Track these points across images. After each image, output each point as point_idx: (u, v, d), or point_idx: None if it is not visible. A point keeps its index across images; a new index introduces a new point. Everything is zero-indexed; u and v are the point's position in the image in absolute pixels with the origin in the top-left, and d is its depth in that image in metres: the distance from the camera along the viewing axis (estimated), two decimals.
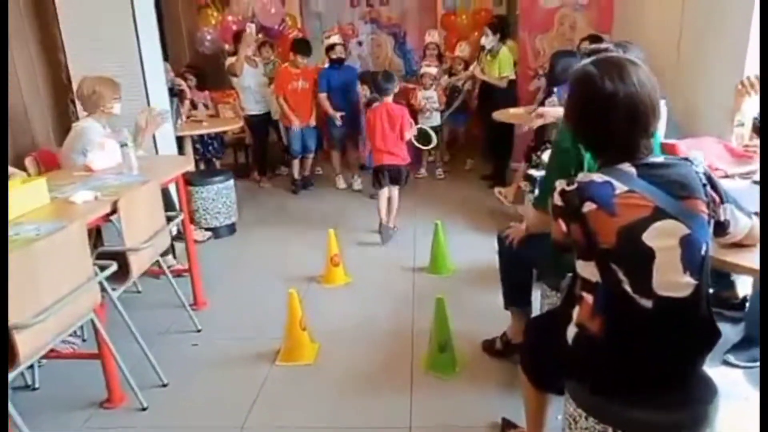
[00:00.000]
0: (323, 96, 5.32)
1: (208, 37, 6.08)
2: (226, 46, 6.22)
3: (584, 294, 1.46)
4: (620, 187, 1.36)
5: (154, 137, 3.72)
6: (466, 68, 5.80)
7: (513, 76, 5.26)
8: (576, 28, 5.10)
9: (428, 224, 4.02)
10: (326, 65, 5.45)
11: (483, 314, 2.88)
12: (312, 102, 5.43)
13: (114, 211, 2.36)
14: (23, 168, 3.13)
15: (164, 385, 2.51)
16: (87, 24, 3.59)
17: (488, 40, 5.18)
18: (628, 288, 1.37)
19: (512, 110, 4.68)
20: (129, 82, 3.52)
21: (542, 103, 3.99)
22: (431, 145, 5.08)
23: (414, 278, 3.52)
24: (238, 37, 5.56)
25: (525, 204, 4.05)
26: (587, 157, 1.95)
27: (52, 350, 2.57)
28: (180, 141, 4.56)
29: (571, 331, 1.50)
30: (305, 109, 5.40)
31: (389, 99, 4.26)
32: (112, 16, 3.60)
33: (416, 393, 2.40)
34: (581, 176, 1.44)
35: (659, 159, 1.43)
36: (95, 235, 3.34)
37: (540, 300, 2.48)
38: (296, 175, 5.65)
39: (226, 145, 6.04)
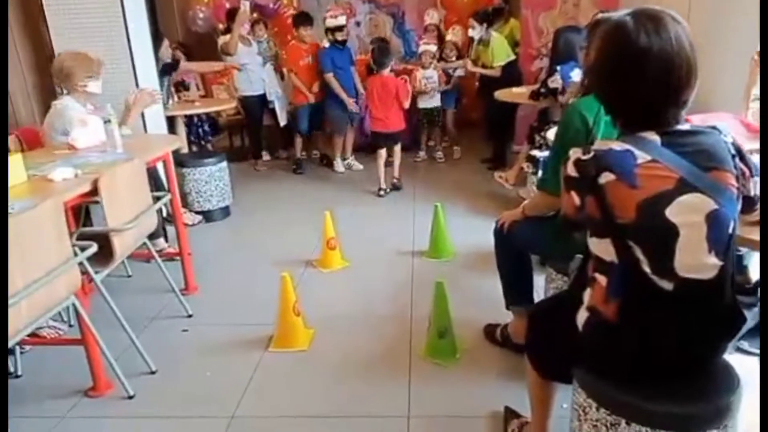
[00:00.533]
0: (331, 76, 5.17)
1: (201, 15, 5.93)
2: (220, 25, 6.06)
3: (597, 275, 1.34)
4: (642, 156, 1.23)
5: (143, 116, 3.59)
6: (458, 55, 5.58)
7: (512, 57, 5.10)
8: (580, 6, 4.94)
9: (427, 207, 3.91)
10: (326, 45, 5.28)
11: (484, 299, 2.77)
12: (317, 78, 5.32)
13: (96, 190, 2.23)
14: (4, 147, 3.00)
15: (152, 373, 2.41)
16: (72, 3, 3.44)
17: (475, 32, 5.11)
18: (647, 268, 1.24)
19: (515, 89, 4.54)
20: (116, 60, 3.40)
21: (545, 83, 3.83)
22: None
23: (413, 262, 3.41)
24: (232, 14, 5.41)
25: (527, 186, 3.93)
26: (600, 133, 1.83)
27: (34, 335, 2.50)
28: (171, 122, 4.43)
29: (582, 316, 1.38)
30: (313, 85, 5.33)
31: (385, 72, 4.62)
32: None
33: (415, 380, 2.30)
34: (598, 144, 1.30)
35: (685, 126, 1.29)
36: (83, 216, 3.22)
37: (545, 285, 2.37)
38: (299, 154, 5.60)
39: (220, 128, 5.90)
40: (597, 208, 1.26)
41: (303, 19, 5.36)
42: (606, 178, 1.24)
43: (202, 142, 5.45)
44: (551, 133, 2.98)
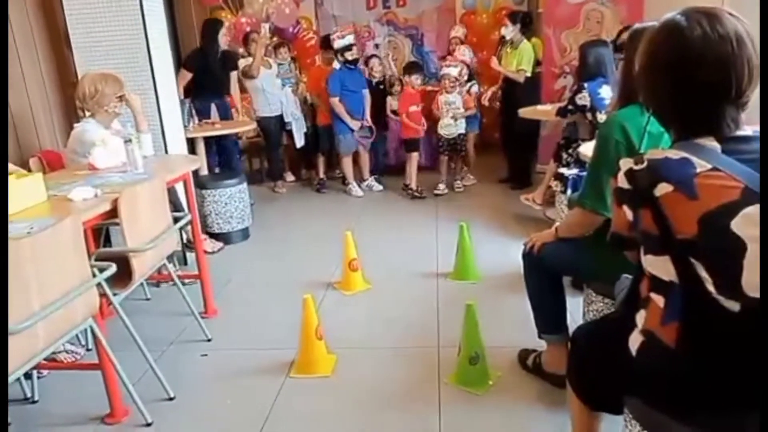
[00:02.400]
0: (336, 100, 5.12)
1: (222, 39, 5.94)
2: (240, 49, 6.10)
3: (653, 296, 1.22)
4: (702, 165, 1.12)
5: (164, 137, 3.57)
6: (470, 76, 5.37)
7: (529, 74, 4.99)
8: (603, 23, 4.88)
9: (450, 227, 3.82)
10: (336, 66, 5.23)
11: (517, 323, 2.64)
12: None
13: (116, 210, 2.18)
14: (27, 169, 2.99)
15: (171, 399, 2.32)
16: (95, 23, 3.45)
17: (508, 30, 4.95)
18: (711, 288, 1.12)
19: (540, 107, 4.45)
20: (138, 81, 3.39)
21: (572, 101, 3.74)
22: None
23: (438, 284, 3.30)
24: (246, 39, 5.46)
25: (556, 206, 3.81)
26: (645, 145, 1.73)
27: (51, 359, 2.43)
28: (192, 144, 4.42)
29: (636, 340, 1.26)
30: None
31: (409, 86, 5.23)
32: (121, 15, 3.45)
33: (445, 409, 2.17)
34: (652, 153, 1.20)
35: (746, 132, 1.19)
36: (103, 238, 3.19)
37: (583, 308, 2.24)
38: (321, 174, 5.58)
39: (241, 151, 5.89)
40: (653, 223, 1.15)
41: (330, 41, 5.39)
42: (662, 189, 1.13)
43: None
44: (584, 149, 2.87)
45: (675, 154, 1.16)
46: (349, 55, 5.10)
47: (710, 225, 1.10)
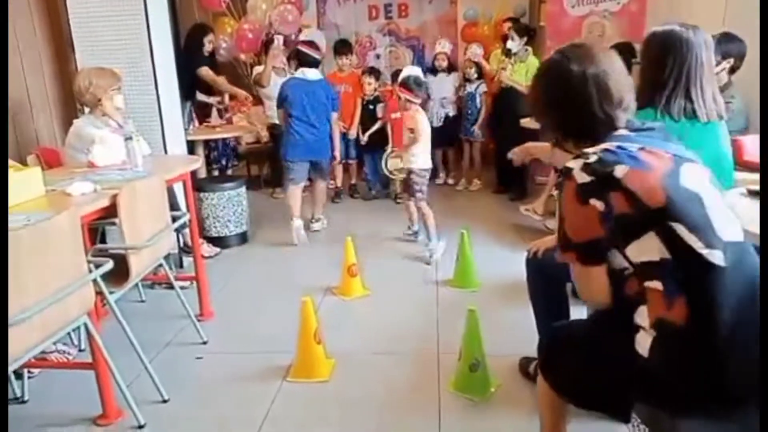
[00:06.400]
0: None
1: (224, 45, 5.94)
2: (242, 56, 6.10)
3: (649, 284, 1.23)
4: (632, 146, 1.28)
5: (164, 138, 3.55)
6: (480, 74, 5.48)
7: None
8: (605, 36, 4.89)
9: (449, 236, 3.79)
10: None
11: (518, 331, 2.60)
12: (354, 108, 5.27)
13: (114, 206, 2.14)
14: (25, 165, 2.95)
15: (165, 401, 2.27)
16: (98, 23, 3.44)
17: (514, 44, 4.94)
18: (697, 244, 1.19)
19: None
20: (139, 80, 3.37)
21: None
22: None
23: (438, 291, 3.27)
24: (267, 46, 5.46)
25: (556, 216, 3.79)
26: None
27: (42, 359, 2.38)
28: (192, 147, 4.40)
29: (645, 340, 1.24)
30: (348, 114, 5.28)
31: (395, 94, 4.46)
32: (124, 16, 3.44)
33: (445, 417, 2.13)
34: (589, 150, 1.31)
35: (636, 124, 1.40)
36: (99, 240, 3.15)
37: (587, 315, 2.21)
38: (338, 183, 5.51)
39: (240, 156, 5.86)
40: (626, 202, 1.22)
41: (343, 47, 5.40)
42: (621, 170, 1.23)
43: (225, 165, 5.39)
44: None
45: (608, 146, 1.29)
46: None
47: (671, 187, 1.21)
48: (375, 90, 5.41)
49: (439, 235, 3.81)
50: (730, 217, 1.26)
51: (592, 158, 1.26)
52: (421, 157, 3.81)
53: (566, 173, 1.28)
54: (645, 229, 1.21)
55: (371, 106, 5.42)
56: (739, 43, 2.79)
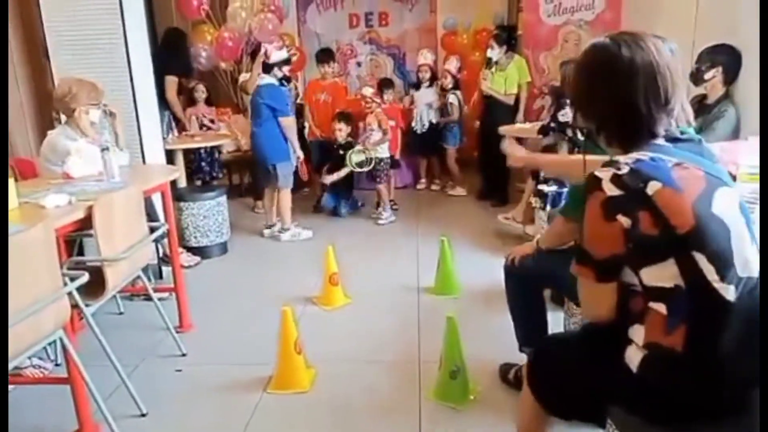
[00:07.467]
0: (292, 119, 4.55)
1: (204, 54, 5.91)
2: (222, 64, 6.07)
3: (653, 305, 1.20)
4: (670, 160, 1.18)
5: (141, 148, 3.51)
6: (455, 84, 5.57)
7: (515, 92, 5.06)
8: (581, 44, 4.97)
9: (431, 242, 3.81)
10: (273, 82, 4.47)
11: (498, 337, 2.62)
12: (332, 116, 5.21)
13: (90, 218, 2.12)
14: None
15: (143, 415, 2.24)
16: (73, 32, 3.40)
17: (494, 53, 5.00)
18: (713, 276, 1.14)
19: (518, 125, 4.50)
20: (117, 92, 3.34)
21: (554, 118, 3.78)
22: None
23: (419, 299, 3.27)
24: (253, 55, 5.43)
25: (536, 223, 3.83)
26: None
27: (17, 374, 2.34)
28: (171, 156, 4.35)
29: (636, 356, 1.23)
30: (326, 123, 5.29)
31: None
32: (101, 24, 3.40)
33: (426, 425, 2.14)
34: (622, 158, 1.20)
35: (676, 132, 1.28)
36: (76, 252, 3.10)
37: (564, 320, 2.24)
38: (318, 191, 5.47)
39: (220, 165, 5.83)
40: (653, 224, 1.14)
41: (325, 55, 5.43)
42: (654, 187, 1.14)
43: (209, 176, 5.32)
44: None
45: (643, 155, 1.20)
46: (287, 70, 4.62)
47: (701, 213, 1.15)
48: (348, 136, 5.12)
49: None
50: (752, 250, 1.20)
51: (624, 169, 1.17)
52: (383, 147, 5.02)
53: (594, 183, 1.18)
54: (666, 257, 1.15)
55: (341, 151, 5.10)
56: (730, 53, 2.81)
